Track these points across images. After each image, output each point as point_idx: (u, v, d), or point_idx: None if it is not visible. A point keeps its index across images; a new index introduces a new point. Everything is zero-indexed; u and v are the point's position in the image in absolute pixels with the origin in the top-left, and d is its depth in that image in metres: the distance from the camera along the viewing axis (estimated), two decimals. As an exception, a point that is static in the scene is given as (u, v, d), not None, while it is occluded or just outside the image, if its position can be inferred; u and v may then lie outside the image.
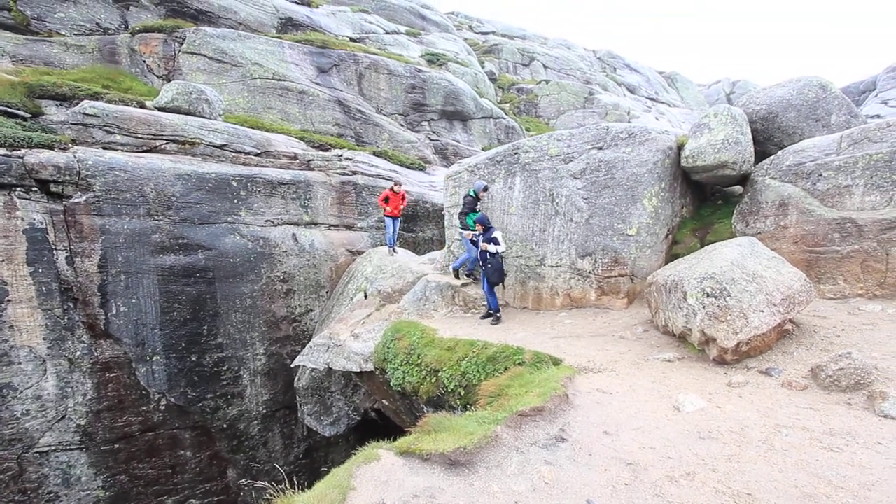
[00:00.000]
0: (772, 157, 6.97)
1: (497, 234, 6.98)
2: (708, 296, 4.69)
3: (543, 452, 3.02)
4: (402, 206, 10.83)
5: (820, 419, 3.51)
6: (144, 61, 13.32)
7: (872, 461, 2.90)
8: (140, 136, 9.78)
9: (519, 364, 5.19)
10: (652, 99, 30.37)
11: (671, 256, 7.21)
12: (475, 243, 7.31)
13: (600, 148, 7.39)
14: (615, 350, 5.46)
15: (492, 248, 6.85)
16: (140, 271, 8.89)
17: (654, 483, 2.74)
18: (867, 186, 5.87)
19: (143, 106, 10.74)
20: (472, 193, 7.80)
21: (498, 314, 7.24)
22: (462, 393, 5.45)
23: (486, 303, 7.53)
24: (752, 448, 3.14)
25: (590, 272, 7.22)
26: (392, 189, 10.57)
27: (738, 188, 7.86)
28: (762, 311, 4.58)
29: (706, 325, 4.66)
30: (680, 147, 7.44)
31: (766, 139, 7.67)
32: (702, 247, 6.67)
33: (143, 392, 9.11)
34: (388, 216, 10.69)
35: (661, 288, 5.50)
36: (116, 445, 8.97)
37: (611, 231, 7.11)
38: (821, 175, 6.26)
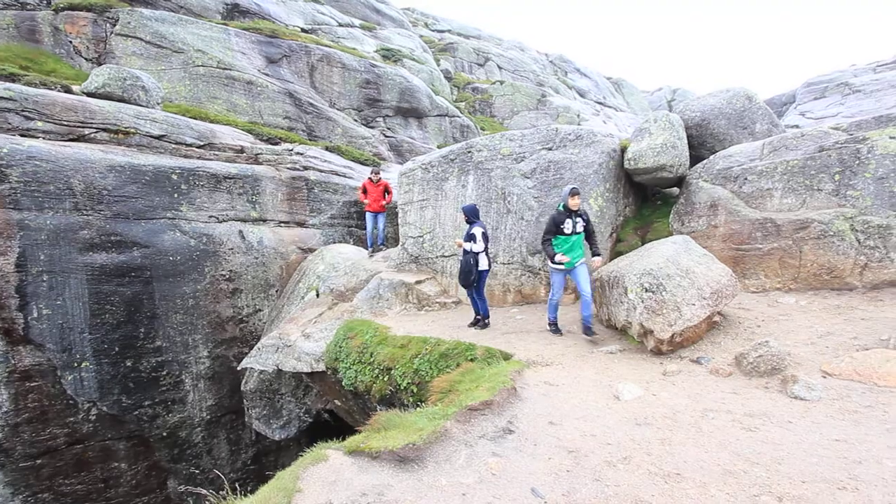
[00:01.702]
0: (704, 161, 7.50)
1: (476, 230, 6.32)
2: (646, 290, 4.99)
3: (491, 445, 3.10)
4: (385, 202, 9.74)
5: (741, 402, 3.83)
6: (71, 42, 12.24)
7: (783, 438, 3.21)
8: (66, 123, 8.98)
9: (471, 360, 5.27)
10: (600, 103, 31.69)
11: (615, 254, 7.58)
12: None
13: (550, 149, 7.63)
14: (562, 344, 5.67)
15: (466, 245, 6.33)
16: (66, 271, 8.18)
17: (594, 468, 2.89)
18: (784, 190, 6.46)
19: (69, 91, 9.87)
20: (561, 208, 5.71)
21: (486, 320, 6.63)
22: (415, 390, 5.46)
23: (472, 306, 6.81)
24: (682, 431, 3.38)
25: (540, 269, 7.45)
26: (370, 178, 9.62)
27: (675, 190, 8.38)
28: (694, 305, 4.93)
29: (644, 319, 4.95)
30: (623, 150, 7.84)
31: (700, 144, 8.23)
32: (643, 244, 7.06)
33: (71, 401, 8.40)
34: (367, 211, 9.76)
35: (605, 284, 5.78)
36: (38, 461, 8.21)
37: (559, 229, 7.36)
38: (746, 179, 6.81)
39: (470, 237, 6.33)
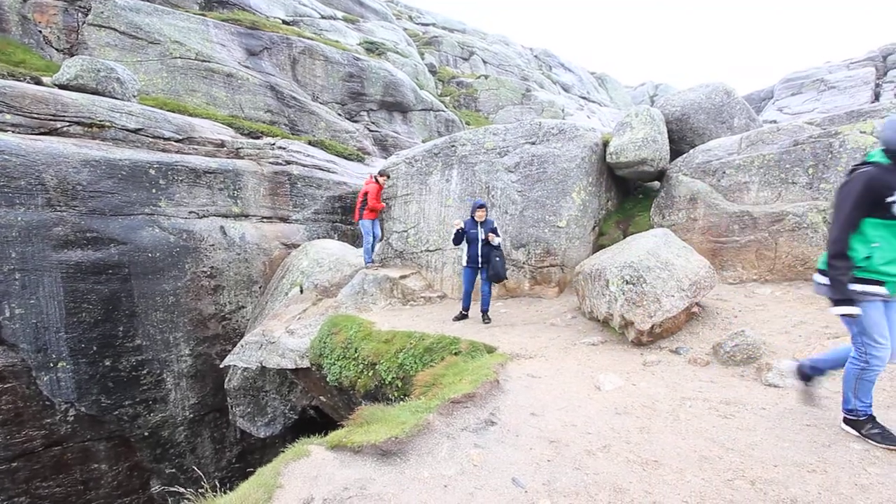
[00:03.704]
0: (684, 155, 7.62)
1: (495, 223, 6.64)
2: (627, 283, 5.06)
3: (473, 436, 3.12)
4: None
5: (718, 391, 3.92)
6: (40, 31, 11.80)
7: (757, 424, 3.31)
8: (36, 116, 8.68)
9: (455, 354, 5.29)
10: (584, 98, 31.90)
11: (597, 247, 7.67)
12: (462, 235, 6.49)
13: (533, 143, 7.66)
14: (546, 336, 5.73)
15: (497, 240, 6.40)
16: (40, 269, 7.94)
17: (574, 457, 2.94)
18: (761, 183, 6.60)
19: (39, 82, 9.54)
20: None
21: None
22: (399, 385, 5.47)
23: (463, 300, 6.84)
24: (660, 420, 3.46)
25: (524, 263, 7.50)
26: (375, 178, 8.60)
27: (656, 184, 8.50)
28: (673, 296, 5.03)
29: (625, 310, 5.03)
30: (605, 144, 7.91)
31: (681, 139, 8.35)
32: (624, 238, 7.16)
33: (47, 402, 8.19)
34: (365, 219, 8.63)
35: (588, 277, 5.84)
36: (14, 464, 8.00)
37: (543, 223, 7.42)
38: (724, 172, 6.95)
39: (494, 231, 6.44)
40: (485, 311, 6.68)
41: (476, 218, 6.47)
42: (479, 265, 6.51)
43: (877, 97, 20.48)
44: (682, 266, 5.31)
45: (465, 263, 6.63)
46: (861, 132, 5.99)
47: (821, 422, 3.25)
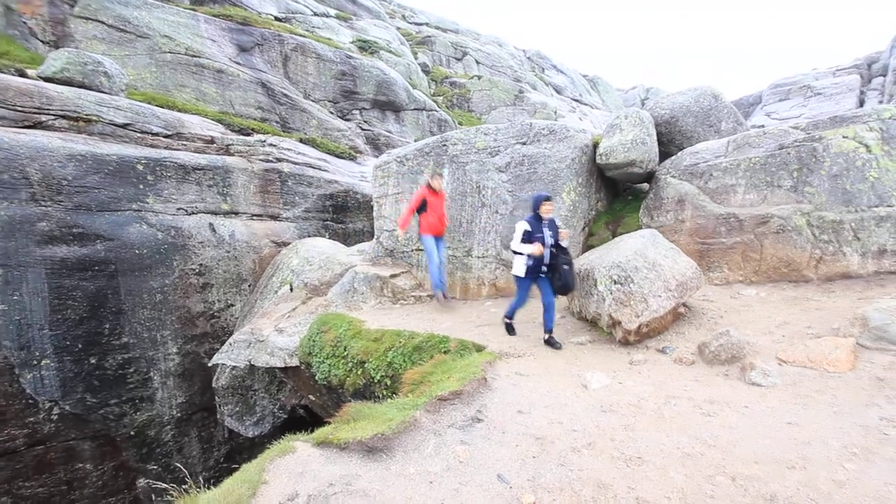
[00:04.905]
0: (673, 158, 7.70)
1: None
2: (615, 283, 5.11)
3: (460, 433, 3.13)
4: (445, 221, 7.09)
5: (702, 389, 3.98)
6: (25, 23, 11.59)
7: (739, 422, 3.36)
8: (20, 109, 8.53)
9: (444, 352, 5.31)
10: (576, 100, 32.09)
11: (586, 247, 7.72)
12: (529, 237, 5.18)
13: (524, 143, 7.70)
14: (535, 336, 5.76)
15: (567, 239, 5.47)
16: (23, 264, 7.81)
17: (559, 454, 2.96)
18: (747, 186, 6.70)
19: (24, 74, 9.37)
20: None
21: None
22: (388, 383, 5.47)
23: (513, 320, 5.80)
24: (645, 418, 3.50)
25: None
26: (429, 185, 6.85)
27: (645, 185, 8.59)
28: (660, 296, 5.08)
29: (613, 310, 5.08)
30: (595, 145, 7.97)
31: (669, 141, 8.45)
32: (614, 238, 7.22)
33: (30, 401, 8.05)
34: (425, 234, 6.99)
35: (576, 276, 5.88)
36: (-5, 463, 7.86)
37: (533, 223, 7.45)
38: (711, 175, 7.04)
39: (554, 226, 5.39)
40: (551, 331, 5.39)
41: (543, 214, 5.26)
42: (543, 274, 5.35)
43: (861, 104, 20.86)
44: (669, 267, 5.37)
45: (521, 273, 5.30)
46: (844, 137, 6.11)
47: (801, 420, 3.32)
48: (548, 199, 5.24)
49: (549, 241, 5.27)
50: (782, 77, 26.02)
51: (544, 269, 5.33)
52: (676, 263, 5.50)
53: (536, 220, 5.28)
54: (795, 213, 6.19)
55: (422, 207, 6.87)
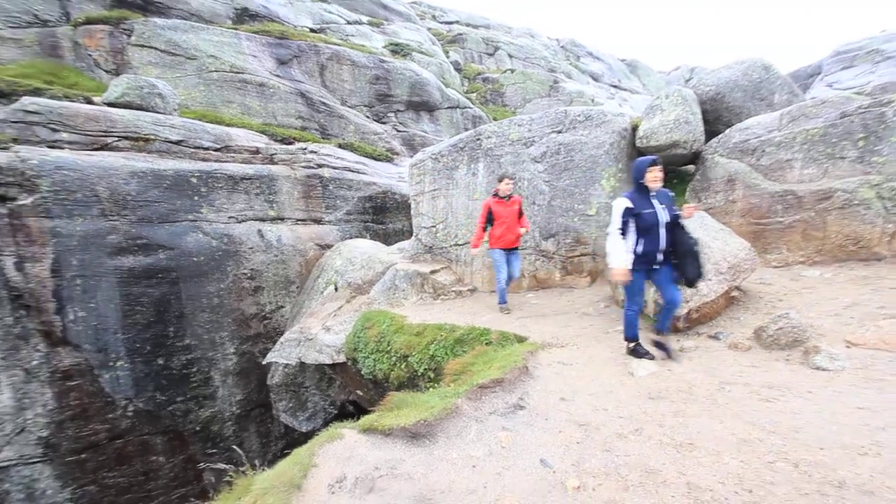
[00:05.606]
0: (720, 136, 7.29)
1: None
2: (660, 268, 4.91)
3: (501, 420, 3.14)
4: (522, 228, 6.37)
5: (760, 375, 3.75)
6: (90, 55, 12.69)
7: (803, 408, 3.15)
8: (89, 133, 9.36)
9: (486, 344, 5.31)
10: (615, 86, 31.01)
11: (630, 234, 7.46)
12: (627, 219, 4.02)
13: (559, 131, 7.55)
14: (577, 326, 5.65)
15: (689, 214, 4.09)
16: (97, 274, 8.56)
17: (604, 440, 2.90)
18: (805, 160, 6.23)
19: (90, 102, 10.27)
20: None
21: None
22: (431, 375, 5.54)
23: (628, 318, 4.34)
24: (696, 404, 3.35)
25: (554, 253, 7.41)
26: (496, 194, 6.30)
27: (690, 167, 8.17)
28: (710, 280, 4.84)
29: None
30: (634, 129, 7.68)
31: (716, 119, 8.00)
32: (658, 224, 6.93)
33: (109, 399, 8.83)
34: (492, 248, 6.38)
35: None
36: (83, 455, 8.68)
37: (572, 212, 7.30)
38: (764, 151, 6.60)
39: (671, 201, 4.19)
40: (662, 332, 4.32)
41: (650, 184, 3.97)
42: (661, 263, 4.06)
43: (941, 63, 18.80)
44: (719, 248, 5.10)
45: (630, 265, 4.02)
46: (917, 98, 5.55)
47: (875, 405, 3.06)
48: (654, 163, 3.94)
49: (664, 218, 3.97)
50: (845, 43, 23.85)
51: (659, 257, 4.02)
52: (727, 245, 5.22)
53: (641, 192, 4.01)
54: (862, 185, 5.69)
55: (489, 218, 6.31)
